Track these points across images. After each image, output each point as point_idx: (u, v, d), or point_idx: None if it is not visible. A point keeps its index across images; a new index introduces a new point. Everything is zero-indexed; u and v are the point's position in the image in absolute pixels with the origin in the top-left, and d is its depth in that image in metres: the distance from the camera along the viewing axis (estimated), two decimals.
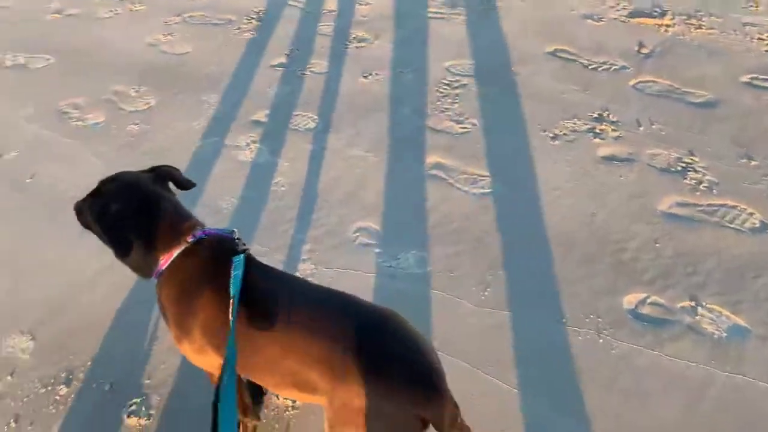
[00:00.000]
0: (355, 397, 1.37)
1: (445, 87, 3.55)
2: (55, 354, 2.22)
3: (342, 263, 2.50)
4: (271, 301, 1.48)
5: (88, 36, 4.34)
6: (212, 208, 2.78)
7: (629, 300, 2.31)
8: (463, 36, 4.03)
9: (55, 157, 3.20)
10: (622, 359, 2.10)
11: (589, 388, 2.02)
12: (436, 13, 4.32)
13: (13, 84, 3.86)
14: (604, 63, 3.69)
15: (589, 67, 3.65)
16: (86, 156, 3.20)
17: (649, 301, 2.31)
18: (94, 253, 2.45)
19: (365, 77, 3.68)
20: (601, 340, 2.17)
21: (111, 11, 4.66)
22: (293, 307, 1.47)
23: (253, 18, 4.40)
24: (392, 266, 2.48)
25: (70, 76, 3.88)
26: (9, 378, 2.15)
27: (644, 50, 3.78)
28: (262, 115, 3.41)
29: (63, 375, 2.14)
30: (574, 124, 3.22)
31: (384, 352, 1.40)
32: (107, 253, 1.59)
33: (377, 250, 2.55)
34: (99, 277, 2.49)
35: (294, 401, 1.99)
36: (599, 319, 2.24)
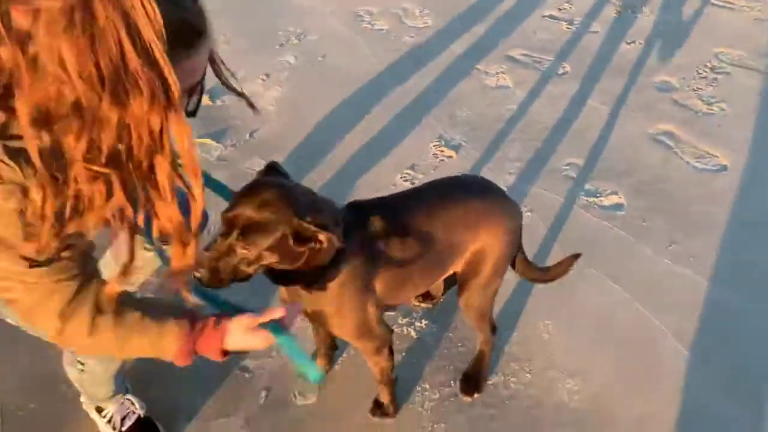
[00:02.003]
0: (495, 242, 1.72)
1: (707, 70, 3.49)
2: None
3: (544, 185, 2.76)
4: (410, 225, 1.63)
5: None
6: (450, 121, 3.20)
7: None
8: (742, 27, 3.85)
9: (343, 46, 3.89)
10: None
11: None
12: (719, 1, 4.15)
13: None
14: None
15: None
16: (365, 52, 3.83)
17: None
18: None
19: (628, 43, 3.76)
20: None
21: None
22: (422, 216, 1.64)
23: None
24: (589, 200, 2.68)
25: None
26: None
27: None
28: (517, 53, 3.71)
29: None
30: None
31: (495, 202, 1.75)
32: None
33: (582, 185, 2.75)
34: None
35: None
36: None
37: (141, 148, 0.95)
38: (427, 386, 2.01)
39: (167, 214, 1.04)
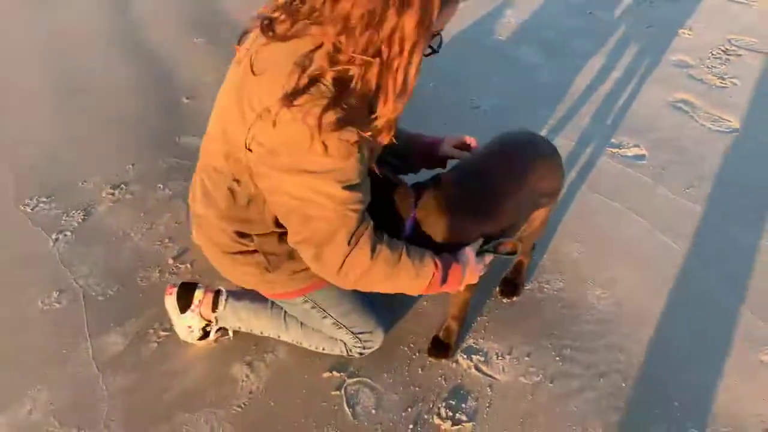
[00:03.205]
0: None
1: (720, 52, 3.79)
2: None
3: (572, 137, 3.05)
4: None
5: None
6: (485, 88, 3.49)
7: None
8: (752, 19, 4.17)
9: None
10: None
11: None
12: None
13: None
14: None
15: None
16: None
17: None
18: None
19: (647, 28, 4.07)
20: None
21: None
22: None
23: None
24: (613, 151, 2.96)
25: None
26: None
27: None
28: (548, 34, 4.02)
29: None
30: None
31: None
32: None
33: (608, 139, 3.04)
34: None
35: None
36: None
37: (395, 52, 1.27)
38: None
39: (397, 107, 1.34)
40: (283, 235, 1.62)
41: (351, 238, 1.45)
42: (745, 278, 2.38)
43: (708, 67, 3.64)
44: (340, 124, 1.30)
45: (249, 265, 1.72)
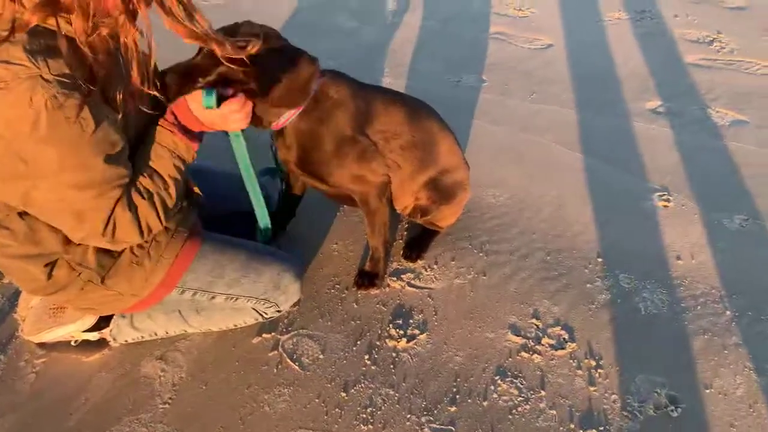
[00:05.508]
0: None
1: None
2: None
3: (414, 78, 3.12)
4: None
5: None
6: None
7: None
8: None
9: None
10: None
11: None
12: None
13: None
14: None
15: None
16: None
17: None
18: None
19: None
20: None
21: None
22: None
23: None
24: (456, 81, 3.09)
25: None
26: None
27: None
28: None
29: None
30: (620, 13, 3.78)
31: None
32: None
33: (445, 74, 3.16)
34: None
35: None
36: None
37: None
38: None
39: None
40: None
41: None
42: (620, 150, 2.64)
43: (506, 4, 3.97)
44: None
45: (78, 288, 1.49)
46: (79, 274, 1.47)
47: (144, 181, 1.39)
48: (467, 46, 3.46)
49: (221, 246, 1.70)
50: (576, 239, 2.15)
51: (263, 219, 1.84)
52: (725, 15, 3.76)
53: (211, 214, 1.78)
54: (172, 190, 1.44)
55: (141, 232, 1.39)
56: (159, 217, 1.41)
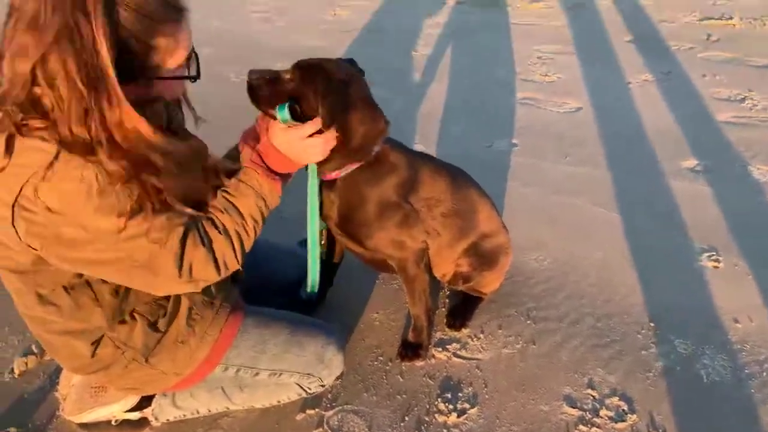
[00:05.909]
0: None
1: (537, 59, 4.25)
2: None
3: (443, 145, 3.14)
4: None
5: None
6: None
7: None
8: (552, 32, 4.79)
9: None
10: None
11: None
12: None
13: None
14: (676, 45, 4.29)
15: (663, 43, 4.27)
16: None
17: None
18: None
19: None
20: None
21: None
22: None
23: None
24: (488, 146, 3.10)
25: None
26: None
27: (713, 39, 4.35)
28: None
29: None
30: (645, 75, 3.81)
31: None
32: None
33: (479, 138, 3.18)
34: None
35: None
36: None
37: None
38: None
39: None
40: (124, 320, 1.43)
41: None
42: (661, 209, 2.60)
43: (531, 71, 4.04)
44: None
45: (122, 367, 1.46)
46: (124, 352, 1.44)
47: (221, 216, 1.38)
48: (496, 111, 3.50)
49: (263, 319, 1.67)
50: (625, 303, 2.07)
51: (313, 269, 1.73)
52: (753, 73, 3.78)
53: (247, 285, 1.76)
54: (251, 230, 1.41)
55: (218, 269, 1.35)
56: (236, 255, 1.38)
